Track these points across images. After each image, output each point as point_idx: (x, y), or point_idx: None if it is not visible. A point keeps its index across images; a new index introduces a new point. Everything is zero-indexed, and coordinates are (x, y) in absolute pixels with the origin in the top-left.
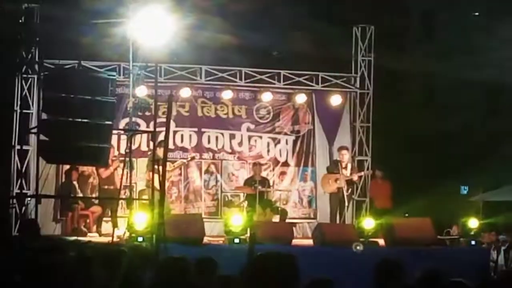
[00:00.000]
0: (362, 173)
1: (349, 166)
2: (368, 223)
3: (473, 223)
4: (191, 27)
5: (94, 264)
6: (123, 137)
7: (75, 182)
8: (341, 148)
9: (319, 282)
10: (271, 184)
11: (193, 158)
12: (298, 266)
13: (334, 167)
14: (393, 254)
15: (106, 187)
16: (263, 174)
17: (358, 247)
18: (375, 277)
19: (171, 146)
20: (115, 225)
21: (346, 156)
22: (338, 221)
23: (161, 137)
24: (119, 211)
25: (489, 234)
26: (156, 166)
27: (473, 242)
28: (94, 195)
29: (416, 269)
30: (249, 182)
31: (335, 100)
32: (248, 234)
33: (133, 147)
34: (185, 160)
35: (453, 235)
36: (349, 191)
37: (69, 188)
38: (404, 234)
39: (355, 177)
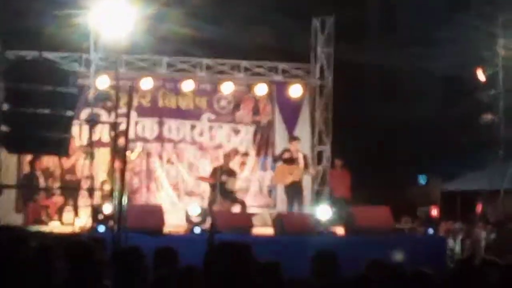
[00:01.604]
0: (319, 168)
1: (300, 156)
2: (326, 212)
3: (430, 212)
4: (152, 18)
5: (56, 254)
6: (85, 128)
7: (38, 173)
8: (292, 139)
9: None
10: (236, 175)
11: (142, 149)
12: (254, 255)
13: (285, 157)
14: (351, 243)
15: (68, 177)
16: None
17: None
18: (311, 268)
19: (132, 136)
20: (76, 215)
21: (296, 146)
22: (295, 211)
23: (122, 127)
24: (80, 201)
25: (446, 223)
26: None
27: (430, 231)
28: (55, 185)
29: (371, 257)
30: (215, 171)
31: (295, 91)
32: (209, 224)
33: (94, 138)
34: (136, 152)
35: (411, 224)
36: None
37: (33, 179)
38: (363, 223)
39: (311, 171)
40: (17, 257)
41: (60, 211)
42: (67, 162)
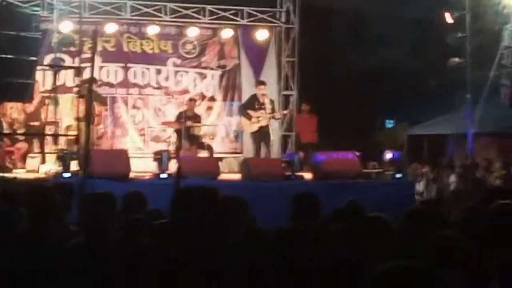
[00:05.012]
0: (286, 112)
1: (267, 100)
2: (294, 157)
3: (398, 156)
4: None
5: (19, 200)
6: (48, 73)
7: (2, 119)
8: (259, 83)
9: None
10: (201, 121)
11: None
12: (220, 200)
13: (252, 103)
14: (318, 187)
15: (31, 123)
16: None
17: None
18: (290, 210)
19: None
20: (43, 162)
21: (263, 91)
22: (263, 156)
23: (86, 72)
24: (45, 147)
25: (414, 166)
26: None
27: (398, 175)
28: (19, 131)
29: (340, 202)
30: (180, 116)
31: (261, 35)
32: (175, 169)
33: (58, 83)
34: None
35: (378, 168)
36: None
37: None
38: (330, 168)
39: (277, 115)
40: None
41: (24, 157)
42: (30, 108)
